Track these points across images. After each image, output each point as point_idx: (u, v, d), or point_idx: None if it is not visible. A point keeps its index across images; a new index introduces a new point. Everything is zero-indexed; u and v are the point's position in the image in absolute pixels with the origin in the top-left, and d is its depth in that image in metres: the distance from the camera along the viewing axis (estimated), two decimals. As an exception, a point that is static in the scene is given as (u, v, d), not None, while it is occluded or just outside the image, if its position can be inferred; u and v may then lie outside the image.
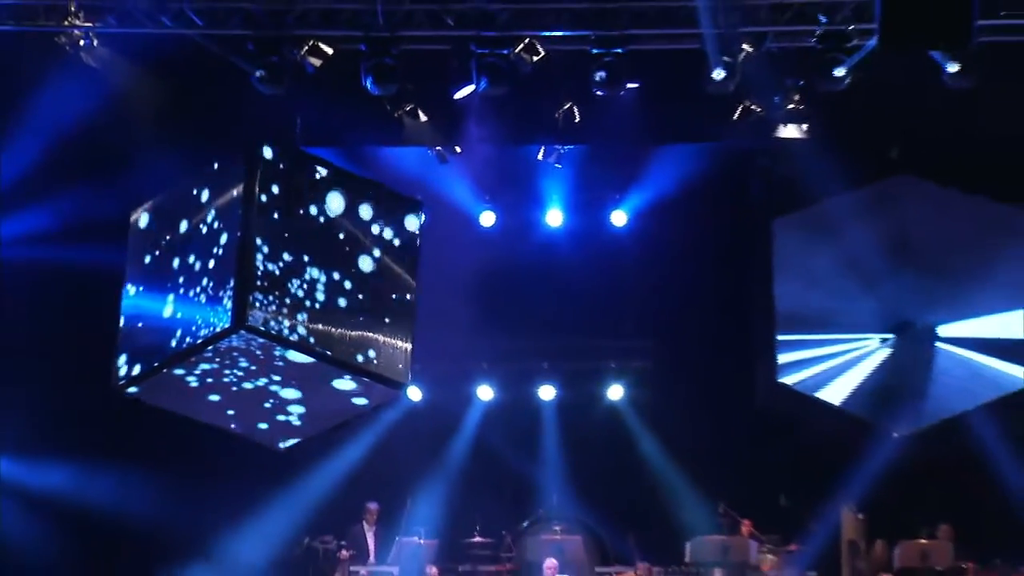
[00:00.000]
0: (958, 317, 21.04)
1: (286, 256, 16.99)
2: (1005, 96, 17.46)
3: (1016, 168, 19.90)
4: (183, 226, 17.49)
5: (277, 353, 16.84)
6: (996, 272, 20.79)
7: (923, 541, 19.82)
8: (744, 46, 16.89)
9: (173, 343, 17.19)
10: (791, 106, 18.02)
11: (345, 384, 17.32)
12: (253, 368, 17.37)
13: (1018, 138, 18.71)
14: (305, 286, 17.08)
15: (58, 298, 18.98)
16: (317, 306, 17.15)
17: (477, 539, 20.71)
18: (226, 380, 17.54)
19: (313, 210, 17.26)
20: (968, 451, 19.99)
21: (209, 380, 17.60)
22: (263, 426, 18.53)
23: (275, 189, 16.92)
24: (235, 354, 17.15)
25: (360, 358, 17.49)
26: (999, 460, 19.69)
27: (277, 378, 17.65)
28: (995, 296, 20.93)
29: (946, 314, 21.06)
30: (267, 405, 18.18)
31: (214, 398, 17.86)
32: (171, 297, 17.29)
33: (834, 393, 21.48)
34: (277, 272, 16.77)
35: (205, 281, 17.02)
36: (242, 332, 16.48)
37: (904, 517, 20.50)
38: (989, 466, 19.78)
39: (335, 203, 17.53)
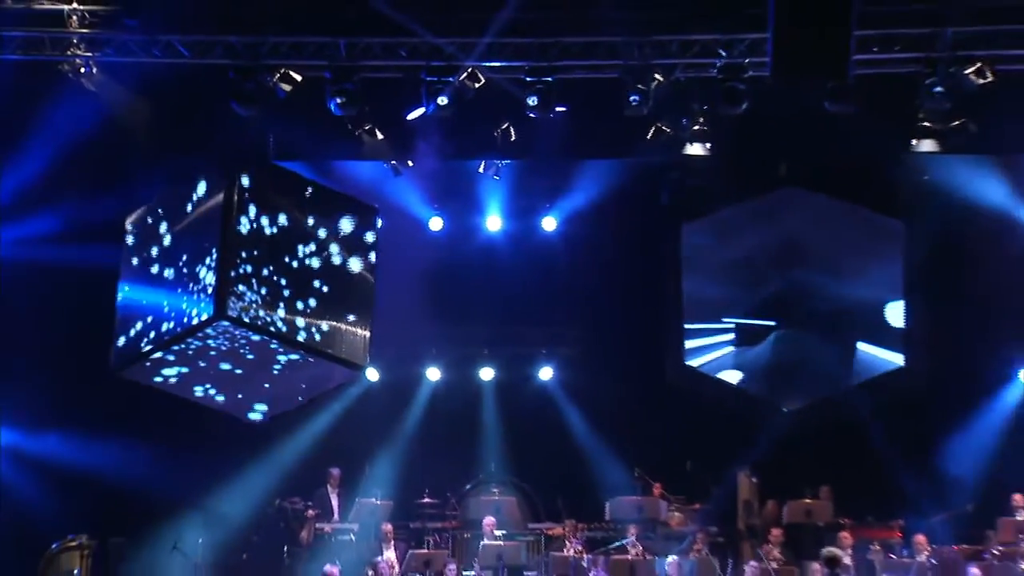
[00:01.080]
0: (838, 308, 21.42)
1: (260, 256, 17.31)
2: (877, 120, 17.77)
3: (887, 181, 20.51)
4: (171, 230, 17.79)
5: (255, 339, 17.24)
6: (870, 270, 21.36)
7: (807, 500, 19.97)
8: (656, 76, 17.30)
9: (162, 331, 17.49)
10: (696, 127, 18.23)
11: (314, 367, 17.82)
12: (231, 354, 17.74)
13: (888, 156, 19.30)
14: (277, 282, 17.40)
15: (61, 292, 18.93)
16: (287, 299, 17.48)
17: (426, 500, 20.75)
18: (203, 364, 17.89)
19: (284, 217, 17.59)
20: (846, 423, 20.43)
21: (191, 365, 17.99)
22: (241, 401, 18.90)
23: (250, 197, 17.27)
24: (216, 343, 17.49)
25: (325, 344, 17.84)
26: (872, 431, 20.02)
27: (250, 359, 18.05)
28: (869, 291, 21.47)
29: (827, 305, 21.42)
30: (245, 384, 18.55)
31: (195, 378, 18.21)
32: (160, 291, 17.56)
33: (732, 373, 21.93)
34: (252, 270, 17.09)
35: (190, 278, 17.31)
36: (222, 321, 16.85)
37: (791, 480, 20.59)
38: (863, 436, 20.15)
39: (303, 210, 17.87)
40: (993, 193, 20.35)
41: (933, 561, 18.75)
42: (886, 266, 21.38)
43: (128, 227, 18.21)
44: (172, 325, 17.46)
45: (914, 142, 18.16)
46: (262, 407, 18.94)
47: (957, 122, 17.60)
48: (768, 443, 20.65)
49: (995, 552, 18.88)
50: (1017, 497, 19.48)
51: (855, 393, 20.78)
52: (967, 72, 16.66)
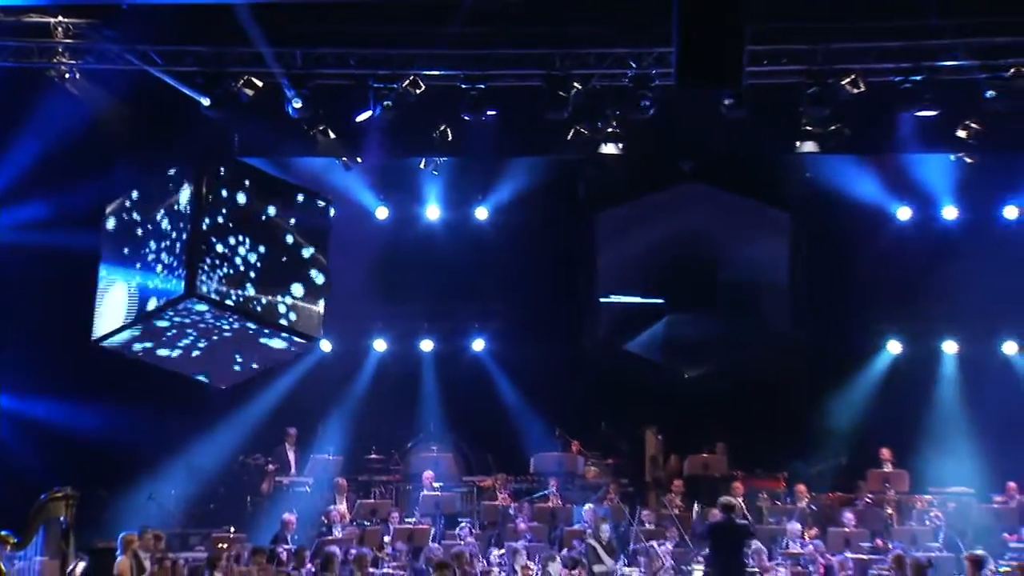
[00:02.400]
0: (733, 289, 21.56)
1: (227, 241, 17.37)
2: (766, 124, 18.11)
3: (775, 178, 20.76)
4: (146, 217, 17.80)
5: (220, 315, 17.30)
6: (760, 255, 21.57)
7: (705, 455, 20.26)
8: (575, 84, 17.39)
9: (138, 307, 17.51)
10: (610, 129, 18.29)
11: (273, 341, 17.87)
12: (196, 328, 17.76)
13: (776, 155, 19.57)
14: (241, 265, 17.47)
15: (48, 272, 18.76)
16: (250, 280, 17.55)
17: (373, 456, 20.88)
18: (175, 335, 17.90)
19: (248, 206, 17.65)
20: (739, 388, 20.61)
21: (166, 338, 18.00)
22: (205, 368, 18.93)
23: (217, 189, 17.31)
24: (186, 319, 17.51)
25: (284, 319, 17.91)
26: (762, 395, 20.28)
27: (215, 337, 18.09)
28: (760, 273, 21.68)
29: (724, 286, 21.56)
30: (212, 355, 18.58)
31: (166, 351, 18.23)
32: (137, 272, 17.57)
33: (641, 344, 21.99)
34: (219, 254, 17.16)
35: (163, 260, 17.33)
36: (192, 299, 16.89)
37: (691, 438, 20.86)
38: (754, 400, 20.39)
39: (264, 200, 17.92)
40: (866, 189, 20.72)
41: (812, 507, 19.14)
42: (775, 251, 21.59)
43: (108, 214, 18.24)
44: (146, 303, 17.53)
45: (798, 143, 18.41)
46: (222, 374, 19.07)
47: (834, 126, 17.85)
48: (671, 406, 20.96)
49: (865, 499, 19.28)
50: (884, 451, 19.86)
51: (747, 362, 20.84)
52: (843, 83, 16.91)
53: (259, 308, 17.74)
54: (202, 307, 17.31)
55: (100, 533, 16.57)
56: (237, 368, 19.01)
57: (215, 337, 18.25)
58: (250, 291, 17.69)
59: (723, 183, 21.08)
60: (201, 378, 18.93)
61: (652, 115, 17.61)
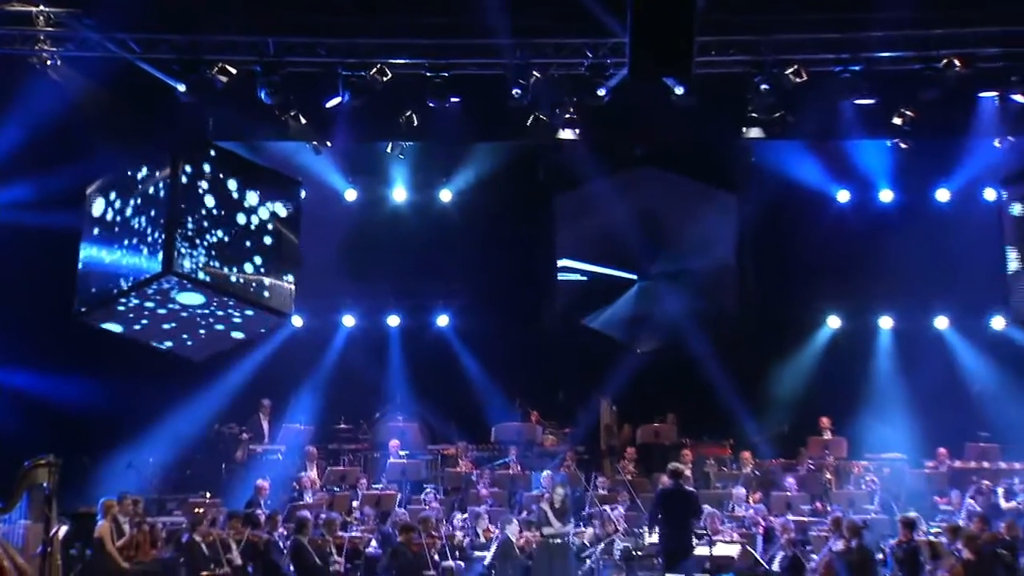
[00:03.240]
0: (683, 267, 21.66)
1: (202, 221, 17.37)
2: (715, 111, 18.12)
3: (723, 162, 20.85)
4: (125, 198, 17.78)
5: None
6: (709, 235, 21.62)
7: (656, 424, 20.46)
8: (535, 73, 17.42)
9: (118, 283, 17.50)
10: (567, 116, 18.30)
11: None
12: (173, 303, 17.76)
13: (724, 141, 19.61)
14: (216, 244, 17.48)
15: (32, 250, 18.58)
16: (225, 258, 17.57)
17: (342, 425, 20.94)
18: (154, 310, 17.88)
19: (221, 188, 17.66)
20: (688, 362, 20.58)
21: (144, 312, 17.97)
22: (188, 343, 18.94)
23: (192, 173, 17.30)
24: (160, 296, 17.50)
25: (257, 295, 17.94)
26: (709, 368, 20.29)
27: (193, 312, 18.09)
28: (708, 252, 21.72)
29: (674, 265, 21.68)
30: (186, 328, 18.58)
31: (144, 323, 18.21)
32: (116, 250, 17.56)
33: (596, 320, 22.06)
34: (194, 233, 17.16)
35: (141, 239, 17.32)
36: (170, 276, 16.89)
37: (643, 408, 21.04)
38: (702, 372, 20.36)
39: (238, 182, 17.92)
40: (809, 172, 20.84)
41: (756, 472, 19.33)
42: (723, 231, 21.60)
43: (88, 195, 18.19)
44: (126, 279, 17.50)
45: (744, 129, 18.50)
46: (198, 346, 19.07)
47: (779, 113, 17.94)
48: (625, 378, 20.86)
49: (806, 465, 19.46)
50: (824, 420, 20.07)
51: (696, 337, 20.84)
52: (787, 72, 16.98)
53: (234, 285, 17.74)
54: (178, 283, 17.37)
55: (81, 498, 16.54)
56: (211, 341, 19.07)
57: (189, 313, 18.28)
58: (225, 269, 17.70)
59: (674, 167, 21.12)
60: (175, 350, 18.96)
61: (607, 102, 17.67)
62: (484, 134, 19.73)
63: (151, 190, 17.51)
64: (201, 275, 17.34)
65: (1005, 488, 17.94)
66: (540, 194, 21.74)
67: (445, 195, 21.82)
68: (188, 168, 17.38)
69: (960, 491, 18.00)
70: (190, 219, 17.31)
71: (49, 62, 17.17)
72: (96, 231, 18.11)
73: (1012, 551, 15.03)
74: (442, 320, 22.40)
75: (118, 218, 17.91)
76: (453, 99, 17.89)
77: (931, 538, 15.71)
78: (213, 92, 17.47)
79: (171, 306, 18.06)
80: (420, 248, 21.75)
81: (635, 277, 21.87)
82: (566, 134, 18.65)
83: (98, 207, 18.23)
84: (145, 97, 18.01)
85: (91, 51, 17.40)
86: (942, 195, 20.91)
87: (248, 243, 17.99)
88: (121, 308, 18.06)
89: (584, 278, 22.02)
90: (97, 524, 15.47)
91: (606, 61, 17.34)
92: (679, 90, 17.43)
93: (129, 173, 17.94)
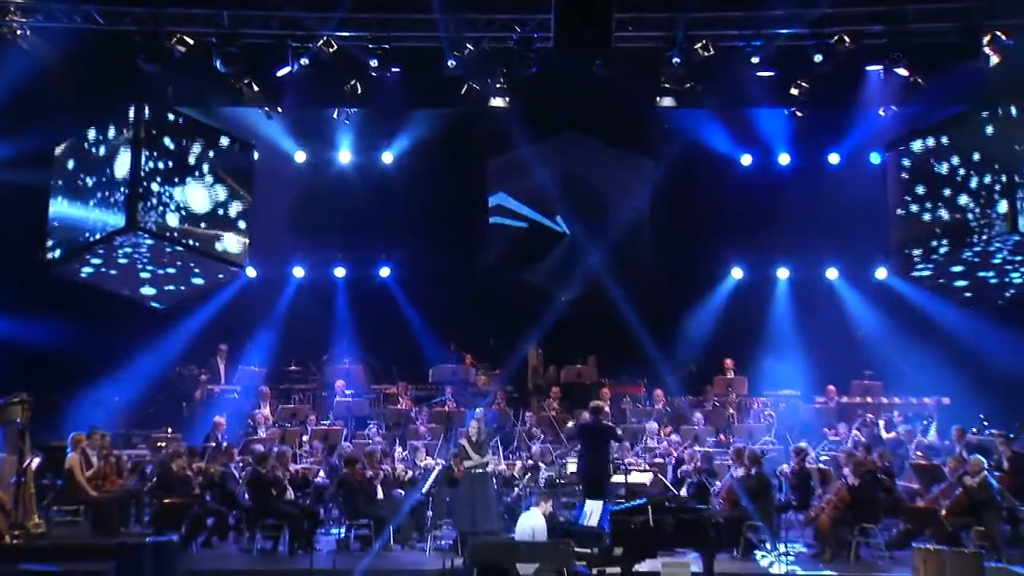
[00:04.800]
0: (600, 223, 21.67)
1: (163, 180, 17.29)
2: (631, 82, 18.24)
3: (639, 129, 20.84)
4: (91, 158, 17.64)
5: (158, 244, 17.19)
6: (627, 195, 21.75)
7: (578, 366, 20.57)
8: (468, 45, 17.50)
9: (85, 237, 17.38)
10: (498, 85, 18.38)
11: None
12: (138, 256, 17.63)
13: (640, 109, 19.64)
14: (176, 201, 17.41)
15: (4, 205, 18.35)
16: (186, 214, 17.50)
17: (293, 367, 20.80)
18: (119, 261, 17.75)
19: (180, 149, 17.56)
20: (607, 308, 20.63)
21: (109, 262, 17.84)
22: (150, 291, 18.84)
23: (153, 135, 17.20)
24: (129, 247, 17.38)
25: (215, 249, 17.89)
26: (626, 314, 20.23)
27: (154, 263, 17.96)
28: (623, 211, 21.77)
29: (596, 221, 21.70)
30: (150, 278, 18.49)
31: (111, 273, 18.09)
32: (82, 206, 17.42)
33: (526, 271, 22.15)
34: (155, 191, 17.06)
35: (107, 195, 17.20)
36: (133, 230, 16.81)
37: (567, 351, 21.13)
38: (619, 318, 20.31)
39: (196, 144, 17.82)
40: (716, 138, 21.00)
41: (667, 408, 19.47)
42: (638, 192, 21.68)
43: (57, 155, 18.00)
44: (92, 233, 17.37)
45: (658, 99, 18.58)
46: (162, 296, 18.97)
47: (689, 84, 18.08)
48: (550, 324, 20.90)
49: (712, 401, 19.72)
50: (727, 361, 20.35)
51: (614, 287, 20.89)
52: (696, 47, 17.13)
53: (193, 239, 17.65)
54: (140, 237, 17.26)
55: (52, 433, 16.46)
56: (171, 290, 18.98)
57: (151, 264, 18.17)
58: (184, 224, 17.62)
59: (595, 133, 21.12)
60: (139, 298, 18.83)
61: (535, 73, 17.70)
62: (422, 102, 19.65)
63: (115, 151, 17.39)
64: (162, 230, 17.24)
65: (885, 420, 18.25)
66: (474, 157, 21.68)
67: (387, 158, 21.66)
68: (149, 131, 17.27)
69: (847, 423, 18.28)
70: (152, 177, 17.20)
71: (19, 32, 17.05)
72: (64, 188, 17.96)
73: (890, 476, 15.40)
74: (384, 272, 22.25)
75: (84, 176, 17.76)
76: (394, 69, 17.88)
77: (820, 465, 15.96)
78: (172, 61, 17.38)
79: (135, 258, 17.97)
80: (364, 206, 21.54)
81: (562, 231, 21.92)
82: (497, 102, 18.68)
83: (66, 166, 18.06)
84: (109, 65, 17.81)
85: (59, 22, 17.29)
86: (833, 159, 21.12)
87: (205, 201, 17.90)
88: (88, 259, 17.94)
89: (518, 224, 22.06)
90: (67, 456, 15.39)
91: (533, 35, 17.40)
92: (599, 62, 17.56)
93: (95, 135, 17.83)
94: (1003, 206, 16.74)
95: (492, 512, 14.62)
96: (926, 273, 18.69)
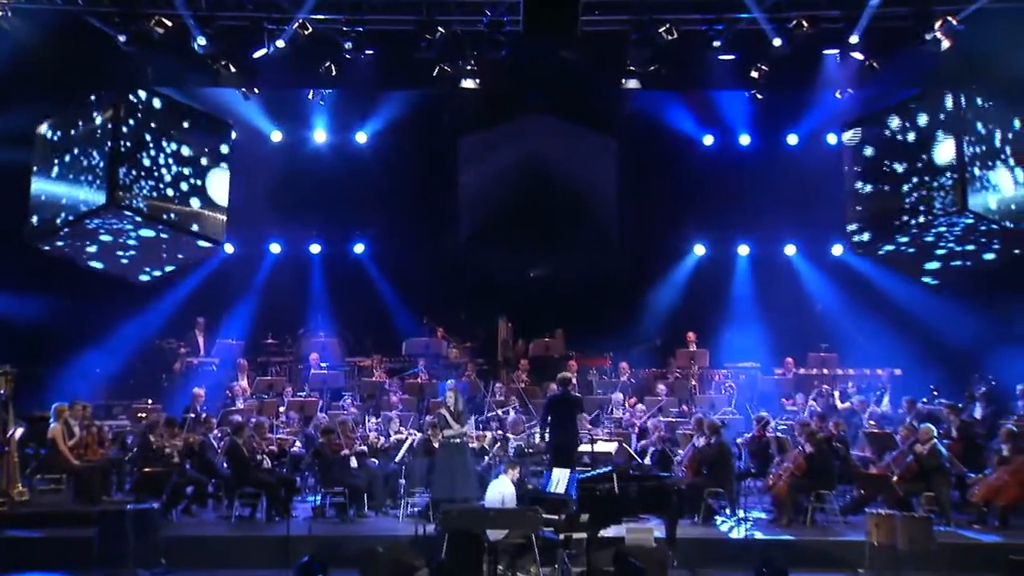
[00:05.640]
0: (569, 203, 21.59)
1: (141, 158, 17.15)
2: (598, 64, 18.22)
3: (605, 110, 20.82)
4: (72, 136, 17.47)
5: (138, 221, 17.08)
6: (593, 173, 21.71)
7: (546, 339, 20.63)
8: (440, 28, 17.34)
9: (67, 214, 17.23)
10: (469, 67, 18.26)
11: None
12: (118, 233, 17.51)
13: (605, 91, 19.59)
14: (155, 179, 17.28)
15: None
16: (164, 192, 17.37)
17: (270, 340, 20.79)
18: (100, 237, 17.62)
19: (159, 128, 17.43)
20: (575, 285, 20.87)
21: (91, 238, 17.71)
22: (130, 267, 18.70)
23: (133, 114, 17.06)
24: (107, 224, 17.24)
25: (193, 226, 17.79)
26: (591, 291, 20.53)
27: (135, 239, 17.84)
28: (590, 189, 21.79)
29: (562, 201, 21.57)
30: (130, 254, 18.36)
31: (92, 249, 17.95)
32: (63, 184, 17.27)
33: (495, 248, 21.76)
34: (135, 169, 16.94)
35: (87, 174, 17.05)
36: (113, 208, 16.68)
37: (535, 325, 21.13)
38: (586, 294, 20.62)
39: (175, 124, 17.70)
40: (679, 120, 21.05)
41: (632, 380, 19.59)
42: (604, 171, 21.64)
43: (39, 134, 17.83)
44: (73, 210, 17.22)
45: (623, 81, 18.49)
46: (141, 271, 18.84)
47: (653, 67, 18.07)
48: (519, 299, 21.14)
49: (675, 373, 19.82)
50: (690, 334, 20.45)
51: (581, 263, 21.09)
52: (660, 31, 17.09)
53: (172, 216, 17.54)
54: (120, 215, 17.13)
55: (36, 404, 16.41)
56: (151, 265, 18.86)
57: (132, 240, 18.04)
58: (163, 202, 17.50)
59: (562, 114, 21.03)
60: (119, 272, 18.70)
61: (504, 56, 17.67)
62: (395, 83, 19.51)
63: (96, 130, 17.23)
64: (142, 207, 17.12)
65: (840, 391, 18.46)
66: (445, 137, 21.56)
67: (361, 137, 21.59)
68: (129, 110, 17.13)
69: (804, 394, 18.50)
70: (132, 156, 17.06)
71: (2, 14, 16.76)
72: (46, 166, 17.77)
73: (845, 444, 15.55)
74: (358, 248, 22.27)
75: (66, 155, 17.59)
76: (367, 51, 17.79)
77: (779, 434, 16.05)
78: (151, 42, 17.17)
79: (116, 234, 17.84)
80: (339, 184, 21.45)
81: (529, 208, 21.69)
82: (468, 84, 18.51)
83: (48, 144, 17.88)
84: (90, 46, 17.60)
85: (42, 4, 17.10)
86: (792, 140, 21.22)
87: (184, 178, 17.79)
88: (69, 235, 17.80)
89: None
90: (50, 426, 15.35)
91: (503, 18, 17.33)
92: (566, 45, 17.59)
93: (76, 115, 17.62)
94: (953, 186, 16.82)
95: (471, 480, 14.65)
96: (882, 251, 18.75)
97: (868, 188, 18.24)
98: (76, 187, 17.19)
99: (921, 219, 17.21)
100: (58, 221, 17.25)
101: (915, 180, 17.31)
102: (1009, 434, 14.67)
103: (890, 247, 18.12)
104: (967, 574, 12.29)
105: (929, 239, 17.68)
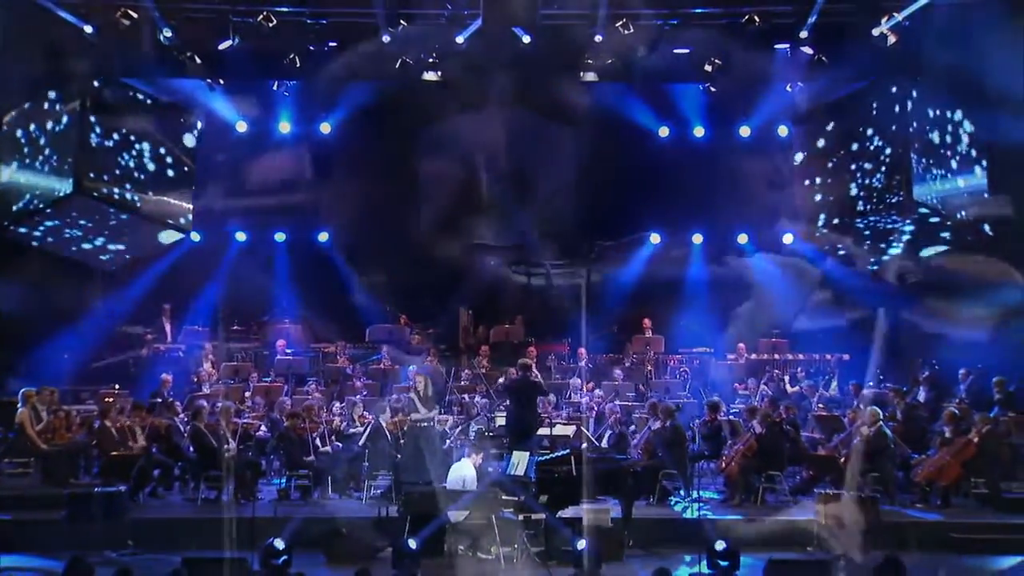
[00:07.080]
0: (531, 193, 21.47)
1: (108, 148, 17.05)
2: (557, 57, 18.34)
3: (564, 102, 20.45)
4: (40, 126, 17.36)
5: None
6: (551, 163, 21.56)
7: (506, 326, 20.63)
8: (402, 22, 17.42)
9: (34, 204, 17.12)
10: (430, 60, 18.30)
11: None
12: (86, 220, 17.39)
13: (564, 83, 19.44)
14: (122, 167, 17.18)
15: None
16: (130, 180, 17.29)
17: (236, 327, 20.66)
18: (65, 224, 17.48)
19: (127, 118, 17.33)
20: (534, 272, 21.10)
21: (60, 226, 17.58)
22: (96, 254, 18.59)
23: (101, 103, 16.94)
24: (77, 212, 17.13)
25: (159, 213, 17.72)
26: (548, 281, 20.70)
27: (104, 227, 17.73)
28: (548, 179, 21.66)
29: (523, 191, 21.40)
30: (97, 242, 18.24)
31: (62, 236, 17.83)
32: (31, 174, 17.16)
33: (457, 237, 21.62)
34: (102, 158, 16.85)
35: (55, 161, 16.95)
36: (81, 197, 16.59)
37: (495, 312, 21.25)
38: (545, 284, 20.80)
39: (141, 114, 17.60)
40: (635, 111, 21.06)
41: (590, 365, 19.62)
42: (563, 162, 21.43)
43: (5, 124, 17.66)
44: (41, 199, 17.11)
45: (582, 74, 18.58)
46: (108, 259, 18.72)
47: (610, 60, 18.13)
48: (480, 286, 21.11)
49: (631, 359, 19.90)
50: (646, 321, 20.48)
51: (540, 251, 21.13)
52: (617, 25, 17.15)
53: (139, 204, 17.43)
54: (88, 203, 17.03)
55: (3, 389, 16.24)
56: (118, 252, 18.75)
57: (98, 227, 17.94)
58: (130, 189, 17.40)
59: (522, 105, 20.71)
60: (88, 259, 18.56)
61: (464, 48, 17.72)
62: (358, 74, 19.24)
63: (63, 119, 17.13)
64: (108, 195, 17.01)
65: (790, 376, 18.63)
66: (407, 127, 21.31)
67: (325, 128, 21.43)
68: (96, 101, 17.02)
69: (756, 379, 18.60)
70: (97, 145, 16.95)
71: (-29, 7, 16.63)
72: (14, 155, 17.61)
73: (795, 427, 15.69)
74: (322, 236, 22.15)
75: (33, 144, 17.45)
76: (331, 43, 17.80)
77: (731, 418, 16.22)
78: (118, 34, 17.05)
79: (81, 222, 17.73)
80: (303, 173, 21.29)
81: (489, 198, 21.68)
82: (429, 76, 18.61)
83: (15, 133, 17.73)
84: (59, 38, 17.40)
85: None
86: (744, 131, 21.20)
87: (150, 167, 17.70)
88: (37, 223, 17.66)
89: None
90: (18, 411, 15.26)
91: (463, 12, 17.37)
92: (526, 38, 17.58)
93: (44, 104, 17.51)
94: (899, 177, 17.00)
95: (437, 463, 14.63)
96: (829, 239, 18.94)
97: (818, 180, 18.38)
98: (43, 176, 17.04)
99: (869, 208, 17.37)
100: (25, 210, 17.11)
101: (863, 171, 17.45)
102: (951, 416, 14.84)
103: (838, 236, 18.26)
104: (911, 551, 12.42)
105: (877, 229, 17.86)
